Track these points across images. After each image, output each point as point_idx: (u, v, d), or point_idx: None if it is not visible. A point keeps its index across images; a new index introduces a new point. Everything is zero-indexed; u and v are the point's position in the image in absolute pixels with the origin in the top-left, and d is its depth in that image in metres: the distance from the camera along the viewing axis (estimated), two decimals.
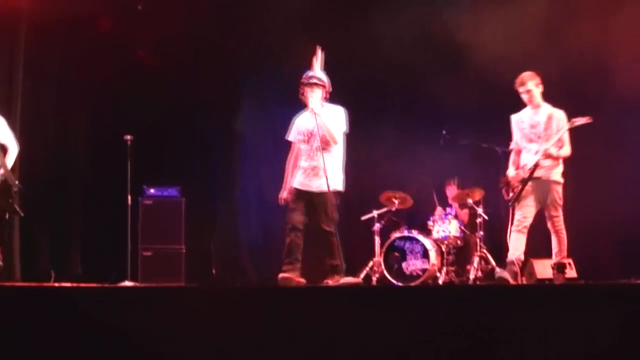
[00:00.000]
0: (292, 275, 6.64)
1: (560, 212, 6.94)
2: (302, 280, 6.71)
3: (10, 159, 7.40)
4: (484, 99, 8.95)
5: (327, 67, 6.95)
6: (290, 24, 9.06)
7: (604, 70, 8.40)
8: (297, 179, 6.92)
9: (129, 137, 7.93)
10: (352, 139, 7.15)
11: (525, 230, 6.90)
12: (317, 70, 6.81)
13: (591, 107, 7.72)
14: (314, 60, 6.82)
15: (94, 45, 9.08)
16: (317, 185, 6.74)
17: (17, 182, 7.25)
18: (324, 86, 6.82)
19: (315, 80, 6.77)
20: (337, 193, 6.80)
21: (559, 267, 6.96)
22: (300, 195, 6.85)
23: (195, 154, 9.79)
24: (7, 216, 7.42)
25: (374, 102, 9.58)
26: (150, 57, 9.42)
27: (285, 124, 7.49)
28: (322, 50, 6.83)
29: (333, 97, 7.01)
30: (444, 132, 8.94)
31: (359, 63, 9.36)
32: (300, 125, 6.98)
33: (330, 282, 6.67)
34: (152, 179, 8.81)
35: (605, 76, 8.37)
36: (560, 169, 7.00)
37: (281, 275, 6.68)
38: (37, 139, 8.65)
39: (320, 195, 6.72)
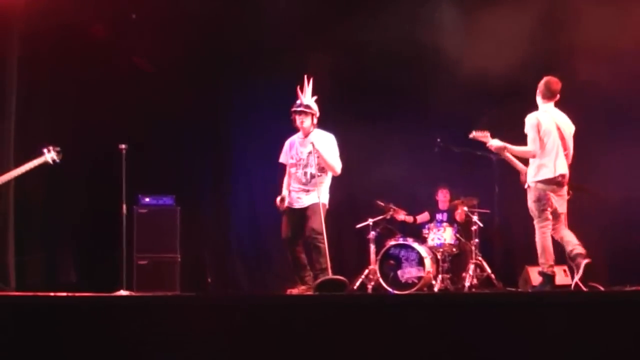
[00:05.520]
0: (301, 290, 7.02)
1: (535, 220, 6.84)
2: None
3: None
4: (478, 106, 8.94)
5: (322, 73, 7.07)
6: (283, 36, 9.10)
7: (617, 75, 8.23)
8: (287, 199, 7.31)
9: (123, 146, 7.90)
10: (345, 147, 7.25)
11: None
12: (307, 97, 7.17)
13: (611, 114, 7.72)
14: (303, 88, 7.15)
15: (88, 53, 9.05)
16: (305, 202, 7.18)
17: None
18: (313, 114, 7.19)
19: (302, 109, 7.15)
20: (323, 206, 7.16)
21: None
22: (290, 212, 7.27)
23: (190, 162, 9.80)
24: None
25: (366, 109, 9.57)
26: (145, 62, 9.41)
27: (277, 134, 7.68)
28: (311, 78, 7.15)
29: (326, 105, 7.19)
30: (438, 140, 8.98)
31: (351, 70, 9.37)
32: (291, 150, 7.35)
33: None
34: (147, 188, 8.80)
35: (626, 80, 8.26)
36: (530, 171, 6.88)
37: (289, 290, 7.13)
38: (30, 147, 8.60)
39: (308, 208, 7.13)
